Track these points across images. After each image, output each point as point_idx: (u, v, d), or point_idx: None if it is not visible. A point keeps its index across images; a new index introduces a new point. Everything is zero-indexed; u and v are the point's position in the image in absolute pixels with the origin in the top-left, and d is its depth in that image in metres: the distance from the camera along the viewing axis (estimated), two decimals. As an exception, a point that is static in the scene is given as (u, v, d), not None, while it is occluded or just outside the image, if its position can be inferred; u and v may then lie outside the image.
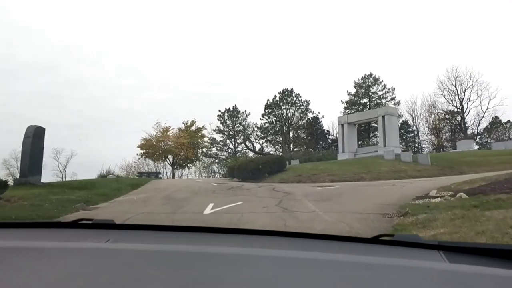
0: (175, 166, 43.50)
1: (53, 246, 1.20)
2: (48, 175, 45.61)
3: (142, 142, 40.42)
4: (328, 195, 12.59)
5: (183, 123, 43.15)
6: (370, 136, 55.79)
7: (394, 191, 13.59)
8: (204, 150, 48.53)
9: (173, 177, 43.61)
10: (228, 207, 10.44)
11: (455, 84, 50.12)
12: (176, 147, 39.91)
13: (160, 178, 37.78)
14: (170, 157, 42.21)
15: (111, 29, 72.95)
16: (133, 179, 30.04)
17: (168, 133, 41.04)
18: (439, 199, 10.65)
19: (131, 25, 76.33)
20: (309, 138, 54.82)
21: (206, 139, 46.25)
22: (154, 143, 40.29)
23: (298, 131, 56.42)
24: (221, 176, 45.99)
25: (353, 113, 43.26)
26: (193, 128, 42.46)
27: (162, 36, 77.12)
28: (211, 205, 10.59)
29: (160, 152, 40.47)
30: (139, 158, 42.41)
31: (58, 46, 69.07)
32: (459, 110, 51.28)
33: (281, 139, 56.26)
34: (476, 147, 39.46)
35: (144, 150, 40.35)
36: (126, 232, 1.54)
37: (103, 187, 16.30)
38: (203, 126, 43.45)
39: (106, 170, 37.72)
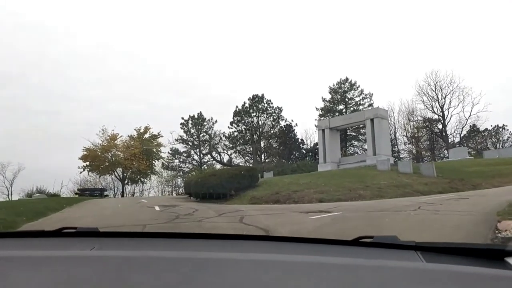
0: (126, 181, 36.54)
1: (38, 255, 1.18)
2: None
3: (85, 152, 33.40)
4: (337, 237, 7.15)
5: (135, 129, 36.46)
6: (347, 145, 51.46)
7: (435, 222, 8.38)
8: (164, 161, 42.21)
9: (123, 194, 36.55)
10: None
11: (435, 89, 46.77)
12: (126, 158, 33.12)
13: (106, 196, 31.12)
14: (120, 170, 35.41)
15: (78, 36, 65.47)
16: (63, 198, 24.43)
17: (115, 141, 34.05)
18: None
19: (95, 32, 69.07)
20: (281, 148, 50.00)
21: (166, 148, 39.88)
22: (99, 153, 33.30)
23: (270, 140, 51.56)
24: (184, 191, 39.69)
25: (334, 117, 38.43)
26: (147, 135, 35.81)
27: (130, 44, 70.55)
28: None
29: (107, 164, 33.48)
30: (81, 172, 35.01)
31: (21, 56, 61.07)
32: (439, 117, 48.00)
33: (251, 149, 50.87)
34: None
35: (88, 162, 33.37)
36: (110, 240, 1.53)
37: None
38: (158, 133, 36.93)
39: (37, 187, 30.90)
